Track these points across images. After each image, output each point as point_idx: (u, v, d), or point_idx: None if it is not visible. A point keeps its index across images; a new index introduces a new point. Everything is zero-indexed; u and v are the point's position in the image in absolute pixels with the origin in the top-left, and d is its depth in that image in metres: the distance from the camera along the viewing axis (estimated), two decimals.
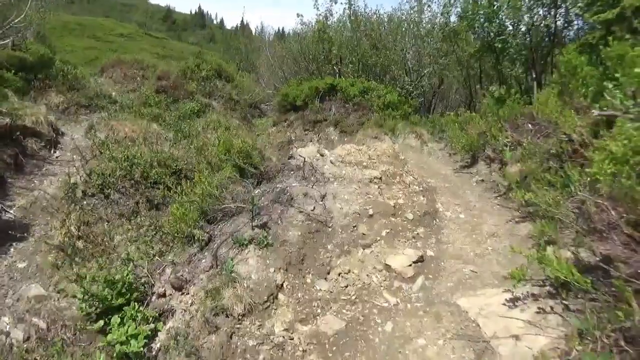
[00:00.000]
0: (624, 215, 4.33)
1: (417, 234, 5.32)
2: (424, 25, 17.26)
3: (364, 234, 5.11)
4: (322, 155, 7.14)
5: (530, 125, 8.19)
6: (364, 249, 4.92)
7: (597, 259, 3.95)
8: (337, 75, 17.53)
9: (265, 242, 4.57)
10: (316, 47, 18.33)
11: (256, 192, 5.97)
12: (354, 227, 5.18)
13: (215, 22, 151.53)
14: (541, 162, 6.36)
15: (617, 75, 6.57)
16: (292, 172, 6.49)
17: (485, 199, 6.96)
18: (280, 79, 22.01)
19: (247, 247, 4.57)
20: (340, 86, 15.78)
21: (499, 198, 6.92)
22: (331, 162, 6.92)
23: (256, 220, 4.89)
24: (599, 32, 11.17)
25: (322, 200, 5.52)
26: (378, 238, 5.08)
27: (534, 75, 11.71)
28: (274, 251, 4.54)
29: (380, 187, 6.21)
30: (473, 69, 14.99)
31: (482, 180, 8.05)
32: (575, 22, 11.13)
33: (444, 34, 15.00)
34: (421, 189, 6.81)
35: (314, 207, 5.33)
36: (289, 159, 7.20)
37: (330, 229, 5.08)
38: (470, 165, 9.12)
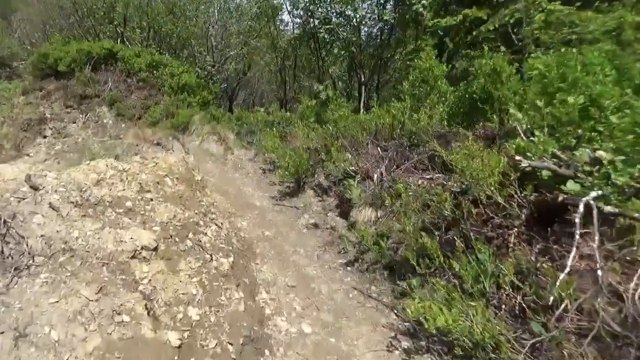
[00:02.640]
0: None
1: None
2: None
3: None
4: (35, 188, 3.37)
5: (379, 149, 5.97)
6: None
7: None
8: (119, 40, 13.19)
9: None
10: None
11: None
12: None
13: None
14: (420, 224, 4.04)
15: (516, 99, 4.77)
16: None
17: (331, 272, 4.33)
18: (40, 33, 16.21)
19: None
20: (122, 55, 11.89)
21: (350, 269, 4.38)
22: (52, 205, 3.24)
23: None
24: (431, 39, 9.97)
25: None
26: None
27: (362, 79, 9.84)
28: None
29: (152, 279, 2.91)
30: (289, 58, 12.55)
31: (315, 225, 5.47)
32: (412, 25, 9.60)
33: (259, 8, 12.12)
34: (231, 258, 3.77)
35: None
36: None
37: None
38: (294, 194, 6.48)
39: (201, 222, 4.20)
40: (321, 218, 5.59)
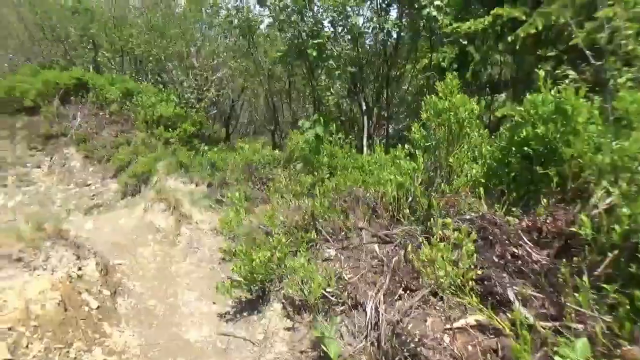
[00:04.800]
0: None
1: None
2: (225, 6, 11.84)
3: None
4: None
5: (377, 247, 3.70)
6: None
7: None
8: (93, 67, 11.64)
9: None
10: (68, 19, 12.08)
11: None
12: None
13: None
14: None
15: None
16: None
17: None
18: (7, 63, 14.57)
19: None
20: (93, 83, 10.36)
21: None
22: None
23: None
24: (450, 50, 7.61)
25: None
26: None
27: (363, 107, 7.57)
28: None
29: None
30: (279, 81, 10.33)
31: None
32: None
33: (240, 24, 9.93)
34: None
35: None
36: None
37: None
38: (254, 307, 4.27)
39: None
40: None
